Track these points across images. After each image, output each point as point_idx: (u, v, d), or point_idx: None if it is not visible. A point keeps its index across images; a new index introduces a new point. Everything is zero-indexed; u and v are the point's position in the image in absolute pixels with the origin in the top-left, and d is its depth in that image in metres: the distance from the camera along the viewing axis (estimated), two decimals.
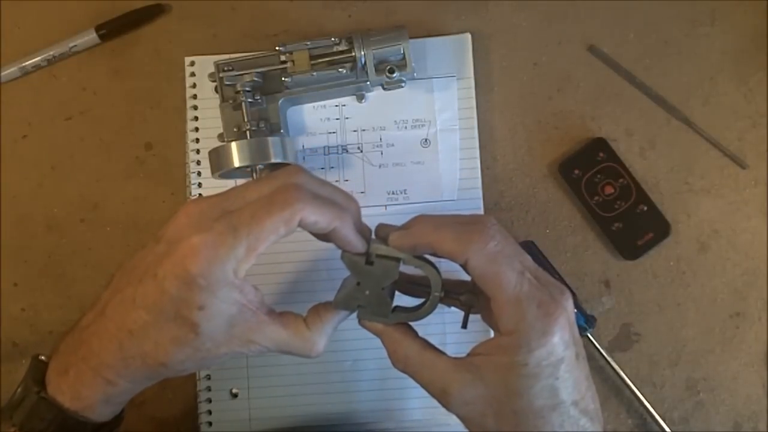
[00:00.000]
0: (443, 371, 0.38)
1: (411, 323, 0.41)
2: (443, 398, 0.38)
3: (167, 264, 0.37)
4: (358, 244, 0.40)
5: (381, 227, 0.41)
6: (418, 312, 0.40)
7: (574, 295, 0.52)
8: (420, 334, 0.41)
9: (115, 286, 0.40)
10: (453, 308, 0.51)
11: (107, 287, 0.41)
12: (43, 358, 0.42)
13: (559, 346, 0.36)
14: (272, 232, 0.37)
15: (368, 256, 0.40)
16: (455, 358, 0.39)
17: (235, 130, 0.52)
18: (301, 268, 0.54)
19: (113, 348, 0.38)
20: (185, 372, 0.40)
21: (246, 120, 0.51)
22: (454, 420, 0.52)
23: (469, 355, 0.38)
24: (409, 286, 0.43)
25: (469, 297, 0.40)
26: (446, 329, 0.53)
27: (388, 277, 0.40)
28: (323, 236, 0.40)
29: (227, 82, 0.52)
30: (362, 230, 0.41)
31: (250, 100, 0.52)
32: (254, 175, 0.51)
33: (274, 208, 0.37)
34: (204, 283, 0.36)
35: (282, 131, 0.53)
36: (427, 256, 0.41)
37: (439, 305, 0.41)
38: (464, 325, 0.40)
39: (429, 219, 0.40)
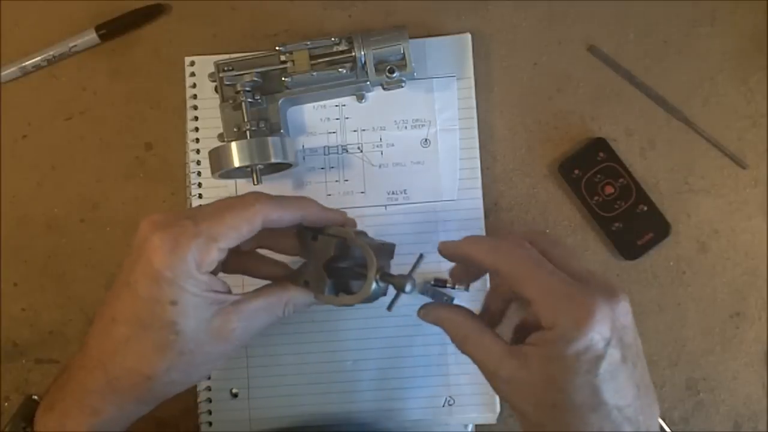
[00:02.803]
0: (497, 354, 0.38)
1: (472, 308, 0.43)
2: (492, 379, 0.39)
3: (137, 268, 0.38)
4: (333, 215, 0.43)
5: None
6: (356, 295, 0.42)
7: None
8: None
9: (94, 320, 0.41)
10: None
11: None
12: (36, 398, 0.43)
13: (598, 342, 0.35)
14: (233, 228, 0.39)
15: (314, 233, 0.43)
16: (509, 345, 0.39)
17: (235, 130, 0.52)
18: None
19: (98, 374, 0.39)
20: (174, 387, 0.41)
21: (246, 120, 0.51)
22: (454, 420, 0.52)
23: (524, 343, 0.38)
24: (361, 270, 0.43)
25: (402, 278, 0.41)
26: None
27: (326, 254, 0.42)
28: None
29: (227, 82, 0.52)
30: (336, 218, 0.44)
31: (250, 100, 0.52)
32: (254, 175, 0.51)
33: (235, 207, 0.39)
34: (170, 275, 0.37)
35: (282, 131, 0.53)
36: (387, 241, 0.44)
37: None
38: (389, 307, 0.42)
39: (474, 236, 0.42)
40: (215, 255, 0.39)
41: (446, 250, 0.42)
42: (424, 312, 0.43)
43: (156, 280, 0.37)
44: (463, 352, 0.41)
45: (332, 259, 0.42)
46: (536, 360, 0.37)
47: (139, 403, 0.40)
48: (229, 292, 0.41)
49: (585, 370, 0.35)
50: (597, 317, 0.35)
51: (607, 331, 0.36)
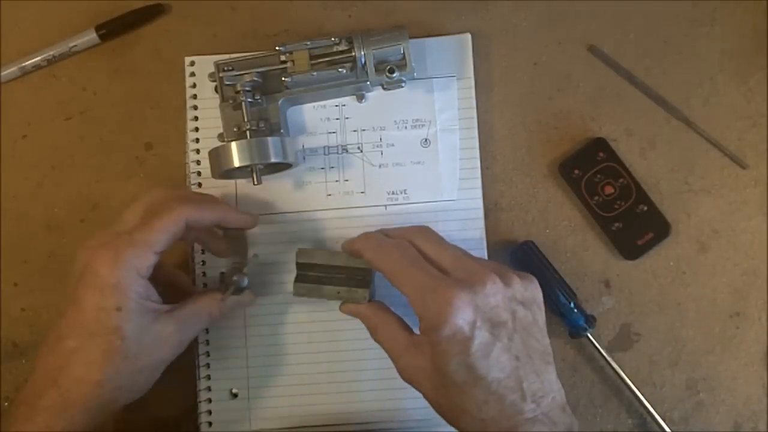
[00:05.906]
0: (401, 343, 0.44)
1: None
2: (397, 365, 0.44)
3: (82, 285, 0.42)
4: (248, 219, 0.50)
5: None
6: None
7: (574, 295, 0.52)
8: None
9: (42, 345, 0.44)
10: None
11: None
12: None
13: (462, 326, 0.40)
14: (162, 231, 0.44)
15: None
16: (412, 335, 0.45)
17: (235, 130, 0.52)
18: None
19: (51, 391, 0.41)
20: (120, 393, 0.43)
21: (246, 120, 0.51)
22: None
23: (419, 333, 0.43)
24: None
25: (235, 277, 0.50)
26: None
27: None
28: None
29: (227, 82, 0.52)
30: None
31: (250, 100, 0.52)
32: (254, 175, 0.51)
33: (162, 214, 0.44)
34: (114, 282, 0.42)
35: (282, 131, 0.53)
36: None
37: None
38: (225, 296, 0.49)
39: (367, 234, 0.48)
40: (152, 258, 0.43)
41: (348, 246, 0.48)
42: (342, 307, 0.49)
43: (101, 290, 0.42)
44: (375, 341, 0.46)
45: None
46: (425, 348, 0.42)
47: (87, 411, 0.42)
48: (161, 303, 0.45)
49: (457, 352, 0.40)
50: (456, 305, 0.40)
51: (470, 315, 0.40)
